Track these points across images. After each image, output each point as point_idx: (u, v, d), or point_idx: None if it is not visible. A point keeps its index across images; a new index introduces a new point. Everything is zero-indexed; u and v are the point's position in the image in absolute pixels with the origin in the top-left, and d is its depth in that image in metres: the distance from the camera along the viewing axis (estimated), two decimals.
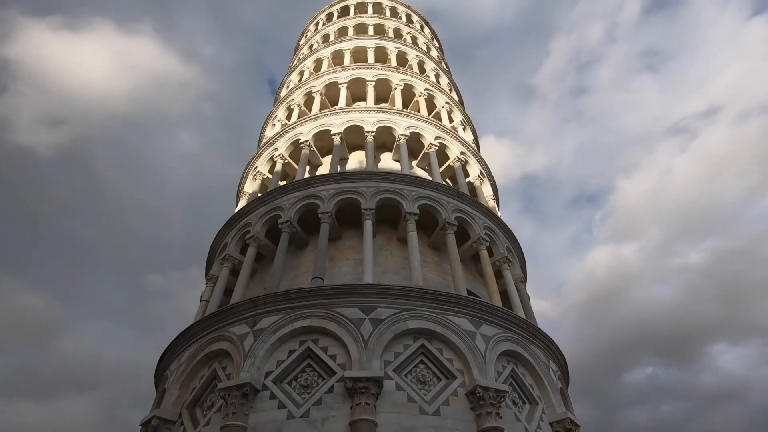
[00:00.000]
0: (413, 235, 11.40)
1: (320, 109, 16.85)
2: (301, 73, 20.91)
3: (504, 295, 12.11)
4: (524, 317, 10.99)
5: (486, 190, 16.39)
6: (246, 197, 15.94)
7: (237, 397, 8.08)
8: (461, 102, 21.38)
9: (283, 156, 15.73)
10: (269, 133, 18.59)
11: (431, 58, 21.77)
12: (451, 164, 15.88)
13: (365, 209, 11.90)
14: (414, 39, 23.10)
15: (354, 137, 15.74)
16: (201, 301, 12.87)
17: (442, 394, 8.44)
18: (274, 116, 19.35)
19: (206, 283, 13.50)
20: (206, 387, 9.34)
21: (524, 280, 14.15)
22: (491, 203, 15.87)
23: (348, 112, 16.02)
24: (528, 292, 13.92)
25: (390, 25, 23.21)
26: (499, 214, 15.64)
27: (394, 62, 19.77)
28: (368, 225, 11.55)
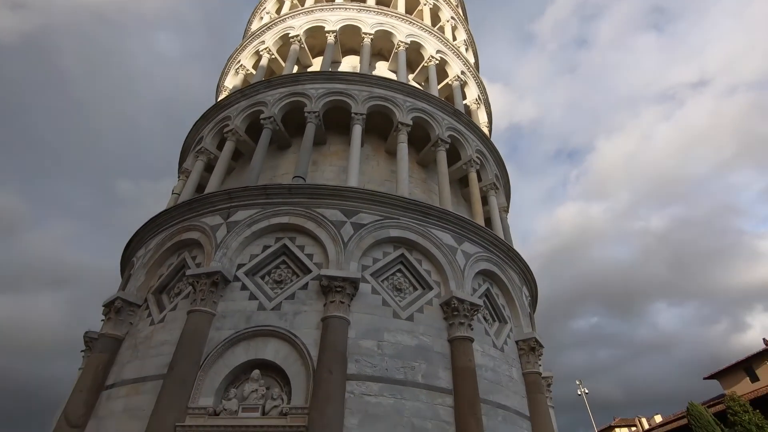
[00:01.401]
0: (403, 146, 10.79)
1: (315, 3, 15.23)
2: None
3: (487, 222, 11.95)
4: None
5: (481, 117, 15.69)
6: (226, 92, 14.73)
7: (206, 284, 7.75)
8: (467, 20, 19.85)
9: (269, 50, 14.37)
10: (256, 26, 16.89)
11: None
12: (450, 83, 14.95)
13: (355, 113, 11.09)
14: None
15: (349, 39, 14.43)
16: (172, 194, 12.18)
17: (417, 302, 8.36)
18: (262, 8, 17.52)
19: (178, 177, 12.73)
20: (174, 275, 8.98)
21: (507, 210, 14.00)
22: (485, 130, 15.24)
23: (345, 9, 14.53)
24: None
25: None
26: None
27: None
28: (357, 130, 10.83)
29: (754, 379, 36.10)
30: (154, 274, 9.27)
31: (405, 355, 7.51)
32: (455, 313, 8.21)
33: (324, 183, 10.42)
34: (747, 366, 37.53)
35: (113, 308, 8.62)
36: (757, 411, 28.02)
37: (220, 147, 11.93)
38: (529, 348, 9.60)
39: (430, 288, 8.67)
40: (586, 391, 25.36)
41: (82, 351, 9.99)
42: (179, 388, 6.68)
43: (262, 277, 8.25)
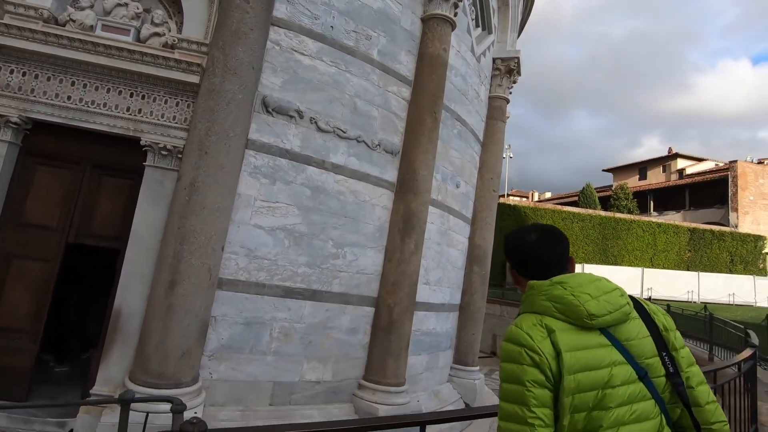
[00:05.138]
0: None
1: None
2: None
3: None
4: None
5: None
6: None
7: None
8: None
9: None
10: None
11: None
12: None
13: None
14: None
15: None
16: None
17: None
18: None
19: None
20: None
21: None
22: None
23: None
24: None
25: None
26: None
27: None
28: None
29: (643, 178, 41.39)
30: None
31: (361, 17, 5.25)
32: None
33: None
34: (642, 166, 42.39)
35: None
36: (635, 200, 33.03)
37: None
38: (507, 70, 7.84)
39: None
40: (511, 156, 26.78)
41: None
42: None
43: None
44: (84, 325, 5.85)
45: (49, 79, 4.14)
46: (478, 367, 7.40)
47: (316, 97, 4.86)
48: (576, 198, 34.46)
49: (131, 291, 4.05)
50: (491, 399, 8.22)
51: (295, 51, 4.78)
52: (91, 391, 3.90)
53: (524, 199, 55.56)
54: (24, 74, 4.10)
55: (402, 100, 5.63)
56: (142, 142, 4.17)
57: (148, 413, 3.52)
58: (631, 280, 20.89)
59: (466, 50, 6.82)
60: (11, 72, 4.09)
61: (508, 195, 58.58)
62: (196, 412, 3.76)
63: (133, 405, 3.60)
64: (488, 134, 7.78)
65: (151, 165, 4.20)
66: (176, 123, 4.28)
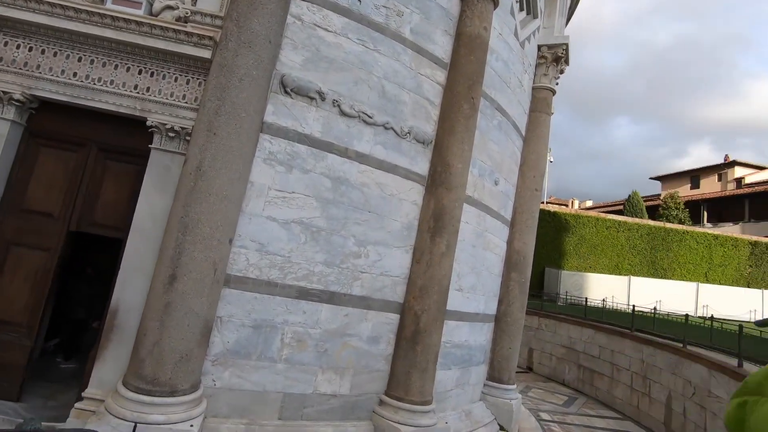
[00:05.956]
0: None
1: None
2: None
3: None
4: None
5: None
6: None
7: None
8: None
9: None
10: None
11: None
12: None
13: None
14: None
15: None
16: None
17: None
18: None
19: None
20: None
21: None
22: None
23: None
24: None
25: None
26: None
27: None
28: None
29: (695, 187, 38.65)
30: None
31: None
32: None
33: None
34: (695, 175, 39.60)
35: None
36: (687, 210, 30.74)
37: None
38: (554, 58, 7.13)
39: None
40: (551, 160, 25.65)
41: None
42: None
43: None
44: (91, 319, 5.60)
45: (55, 54, 3.86)
46: (514, 386, 6.66)
47: (340, 77, 4.38)
48: (621, 207, 32.56)
49: (131, 286, 3.69)
50: (528, 421, 7.46)
51: (318, 26, 4.32)
52: (83, 394, 3.54)
53: (563, 207, 53.28)
54: (30, 49, 3.85)
55: (436, 85, 5.06)
56: (149, 123, 3.82)
57: (136, 423, 3.12)
58: (683, 295, 19.20)
59: (509, 33, 6.18)
60: (17, 47, 3.84)
61: (547, 202, 56.51)
62: (192, 425, 3.33)
63: (122, 414, 3.22)
64: (531, 128, 7.07)
65: (158, 148, 3.84)
66: (186, 102, 3.91)
